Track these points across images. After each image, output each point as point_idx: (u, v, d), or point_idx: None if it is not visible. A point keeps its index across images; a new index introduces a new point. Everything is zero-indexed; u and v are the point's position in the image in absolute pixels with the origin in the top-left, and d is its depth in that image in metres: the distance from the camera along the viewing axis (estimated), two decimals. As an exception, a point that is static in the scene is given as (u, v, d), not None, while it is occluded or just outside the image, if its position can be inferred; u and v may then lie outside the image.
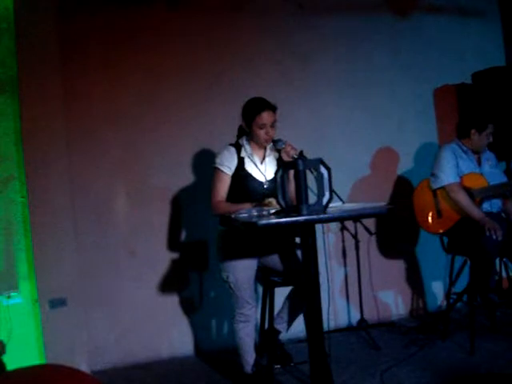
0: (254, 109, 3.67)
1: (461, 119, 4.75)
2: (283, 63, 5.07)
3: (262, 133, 3.68)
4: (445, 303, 4.92)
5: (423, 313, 5.44)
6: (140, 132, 4.72)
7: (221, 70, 4.90)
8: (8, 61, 4.31)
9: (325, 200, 3.10)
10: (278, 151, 3.73)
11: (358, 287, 5.04)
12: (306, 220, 3.07)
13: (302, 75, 5.12)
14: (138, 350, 4.72)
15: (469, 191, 4.46)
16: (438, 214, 4.57)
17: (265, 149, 3.81)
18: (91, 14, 4.60)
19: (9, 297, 4.27)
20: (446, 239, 4.65)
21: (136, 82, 4.71)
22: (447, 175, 4.50)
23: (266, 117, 3.65)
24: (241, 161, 3.72)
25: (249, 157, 3.75)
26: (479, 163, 4.62)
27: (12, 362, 4.08)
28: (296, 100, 4.97)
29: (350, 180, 5.19)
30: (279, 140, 3.67)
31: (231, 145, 3.78)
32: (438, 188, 4.54)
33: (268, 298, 3.77)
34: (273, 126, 3.68)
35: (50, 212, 4.24)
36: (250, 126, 3.70)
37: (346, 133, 5.21)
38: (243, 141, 3.78)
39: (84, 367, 4.28)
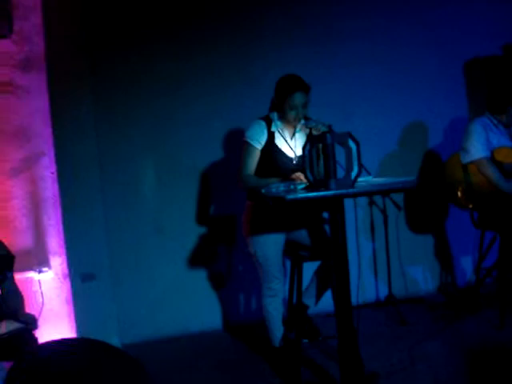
0: (287, 89, 3.61)
1: (492, 93, 4.65)
2: (309, 39, 5.00)
3: (292, 113, 3.63)
4: (474, 278, 4.87)
5: (452, 288, 5.40)
6: (169, 109, 4.72)
7: (250, 48, 4.86)
8: (35, 38, 4.32)
9: (353, 174, 3.07)
10: (309, 128, 3.70)
11: (386, 262, 5.02)
12: (334, 194, 3.06)
13: (327, 49, 5.04)
14: (167, 324, 4.77)
15: (500, 165, 4.40)
16: (469, 188, 4.51)
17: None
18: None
19: (40, 272, 4.33)
20: (476, 214, 4.60)
21: (165, 60, 4.70)
22: (477, 149, 4.43)
23: (298, 98, 3.59)
24: (271, 135, 3.69)
25: (279, 131, 3.72)
26: (510, 137, 4.55)
27: (43, 337, 4.14)
28: (322, 75, 4.90)
29: (378, 154, 5.13)
30: (310, 119, 3.64)
31: (261, 119, 3.74)
32: (469, 162, 4.48)
33: (296, 272, 3.78)
34: (304, 106, 3.64)
35: (79, 188, 4.27)
36: (281, 105, 3.66)
37: (375, 107, 5.13)
38: (274, 115, 3.74)
39: (114, 341, 4.33)
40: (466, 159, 4.49)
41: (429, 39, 5.27)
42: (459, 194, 4.59)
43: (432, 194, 5.00)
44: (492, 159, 4.41)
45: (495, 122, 4.50)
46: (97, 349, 1.68)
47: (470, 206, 4.56)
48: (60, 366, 1.62)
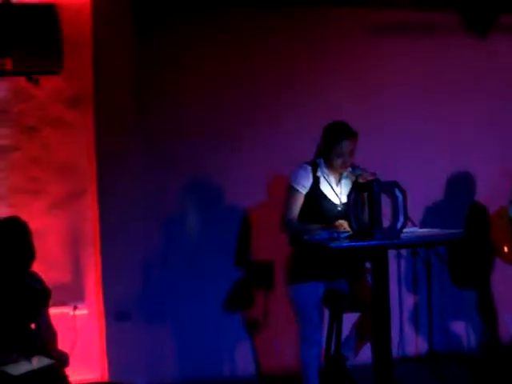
0: (334, 137, 3.58)
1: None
2: (357, 81, 4.99)
3: (339, 161, 3.60)
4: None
5: (495, 346, 5.22)
6: (212, 148, 4.72)
7: (297, 88, 4.86)
8: (85, 75, 4.38)
9: (399, 225, 3.01)
10: (355, 176, 3.64)
11: (428, 316, 4.88)
12: (379, 245, 3.00)
13: (380, 92, 5.02)
14: (199, 366, 4.69)
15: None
16: (516, 243, 4.40)
17: None
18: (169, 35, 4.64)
19: (75, 308, 4.31)
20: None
21: (207, 99, 4.72)
22: (525, 203, 4.33)
23: (345, 146, 3.56)
24: (316, 180, 3.65)
25: (324, 177, 3.67)
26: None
27: (74, 374, 4.09)
28: (373, 117, 4.87)
29: (422, 204, 5.03)
30: (356, 167, 3.59)
31: (307, 163, 3.71)
32: (517, 216, 4.38)
33: (335, 323, 3.69)
34: (351, 153, 3.60)
35: (119, 226, 4.27)
36: (327, 151, 3.62)
37: (422, 153, 5.06)
38: (320, 160, 3.69)
39: (144, 382, 4.27)
40: (513, 212, 4.39)
41: (481, 89, 5.20)
42: (506, 248, 4.47)
43: (477, 247, 4.87)
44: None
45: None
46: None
47: (516, 262, 4.44)
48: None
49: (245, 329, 4.83)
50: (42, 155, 4.40)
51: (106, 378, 4.29)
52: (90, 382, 4.29)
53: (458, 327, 5.20)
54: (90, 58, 4.35)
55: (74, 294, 4.37)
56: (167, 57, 4.66)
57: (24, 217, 3.31)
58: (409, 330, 5.06)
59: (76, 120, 4.44)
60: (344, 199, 3.63)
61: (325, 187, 3.66)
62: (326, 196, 3.65)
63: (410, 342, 5.05)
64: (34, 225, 3.35)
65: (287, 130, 4.80)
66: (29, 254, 3.25)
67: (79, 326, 4.30)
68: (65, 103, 4.41)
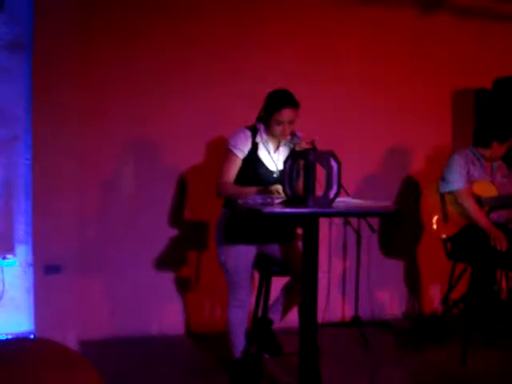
0: (275, 104, 3.56)
1: (479, 126, 4.65)
2: (300, 47, 5.00)
3: (278, 129, 3.58)
4: (441, 308, 4.87)
5: (418, 316, 5.41)
6: (150, 109, 4.67)
7: (241, 55, 4.85)
8: (25, 20, 4.24)
9: (332, 194, 3.05)
10: (293, 144, 3.65)
11: (355, 283, 5.00)
12: (310, 212, 3.03)
13: (319, 63, 5.04)
14: (129, 323, 4.71)
15: (478, 199, 4.40)
16: (444, 218, 4.51)
17: None
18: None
19: (3, 258, 4.24)
20: (448, 244, 4.59)
21: (151, 56, 4.65)
22: (457, 180, 4.42)
23: (284, 114, 3.53)
24: (255, 146, 3.64)
25: (263, 143, 3.66)
26: (491, 172, 4.55)
27: (0, 326, 4.06)
28: (312, 87, 4.88)
29: (357, 174, 5.12)
30: (295, 136, 3.60)
31: (248, 128, 3.68)
32: (447, 192, 4.47)
33: (264, 286, 3.74)
34: (291, 122, 3.58)
35: (54, 177, 4.18)
36: (268, 118, 3.60)
37: (360, 126, 5.13)
38: (260, 126, 3.68)
39: (73, 337, 4.25)
40: (444, 189, 4.48)
41: (421, 64, 5.29)
42: (434, 223, 4.59)
43: (407, 219, 5.00)
44: (470, 192, 4.41)
45: (478, 155, 4.50)
46: (51, 352, 1.63)
47: (444, 236, 4.56)
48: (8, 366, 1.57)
49: (177, 288, 4.85)
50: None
51: (33, 333, 4.26)
52: (17, 335, 4.24)
53: (384, 296, 5.36)
54: (32, 2, 4.21)
55: (3, 245, 4.29)
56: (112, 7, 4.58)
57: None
58: (336, 296, 5.18)
59: (14, 66, 4.30)
60: (281, 166, 3.64)
61: (263, 153, 3.66)
62: (262, 162, 3.65)
63: (336, 307, 5.17)
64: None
65: (229, 92, 4.77)
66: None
67: (7, 277, 4.24)
68: (3, 48, 4.27)
